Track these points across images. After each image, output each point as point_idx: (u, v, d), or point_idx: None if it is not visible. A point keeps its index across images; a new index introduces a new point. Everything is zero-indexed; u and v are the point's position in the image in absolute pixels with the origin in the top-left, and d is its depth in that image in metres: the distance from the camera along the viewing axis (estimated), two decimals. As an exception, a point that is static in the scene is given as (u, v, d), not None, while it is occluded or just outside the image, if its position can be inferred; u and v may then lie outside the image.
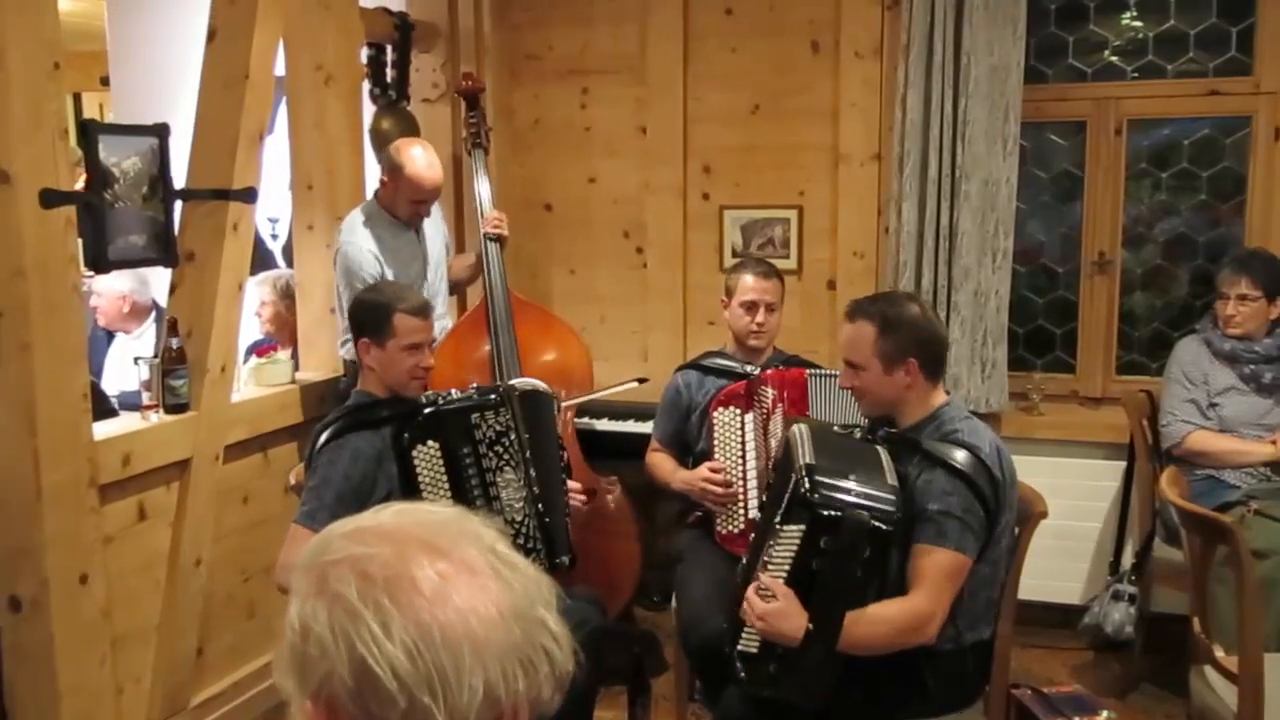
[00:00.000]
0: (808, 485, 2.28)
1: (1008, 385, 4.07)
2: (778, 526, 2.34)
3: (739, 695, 2.50)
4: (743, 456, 3.19)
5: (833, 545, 2.25)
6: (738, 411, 3.21)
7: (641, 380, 3.77)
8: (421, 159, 3.60)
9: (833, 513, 2.25)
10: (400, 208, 3.66)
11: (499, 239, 3.90)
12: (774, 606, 2.29)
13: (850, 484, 2.30)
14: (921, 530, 2.35)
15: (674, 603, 3.22)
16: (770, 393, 3.17)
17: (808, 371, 3.24)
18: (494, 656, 0.90)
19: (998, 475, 2.41)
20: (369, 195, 3.90)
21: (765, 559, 2.36)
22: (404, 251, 3.68)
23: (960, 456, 2.40)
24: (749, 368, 3.37)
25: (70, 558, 2.76)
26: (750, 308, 3.38)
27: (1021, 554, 2.62)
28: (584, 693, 2.92)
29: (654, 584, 4.20)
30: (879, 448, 2.49)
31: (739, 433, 3.20)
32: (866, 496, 2.28)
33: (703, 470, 3.22)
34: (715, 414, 3.24)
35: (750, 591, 2.34)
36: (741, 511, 3.18)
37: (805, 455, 2.38)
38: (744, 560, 2.63)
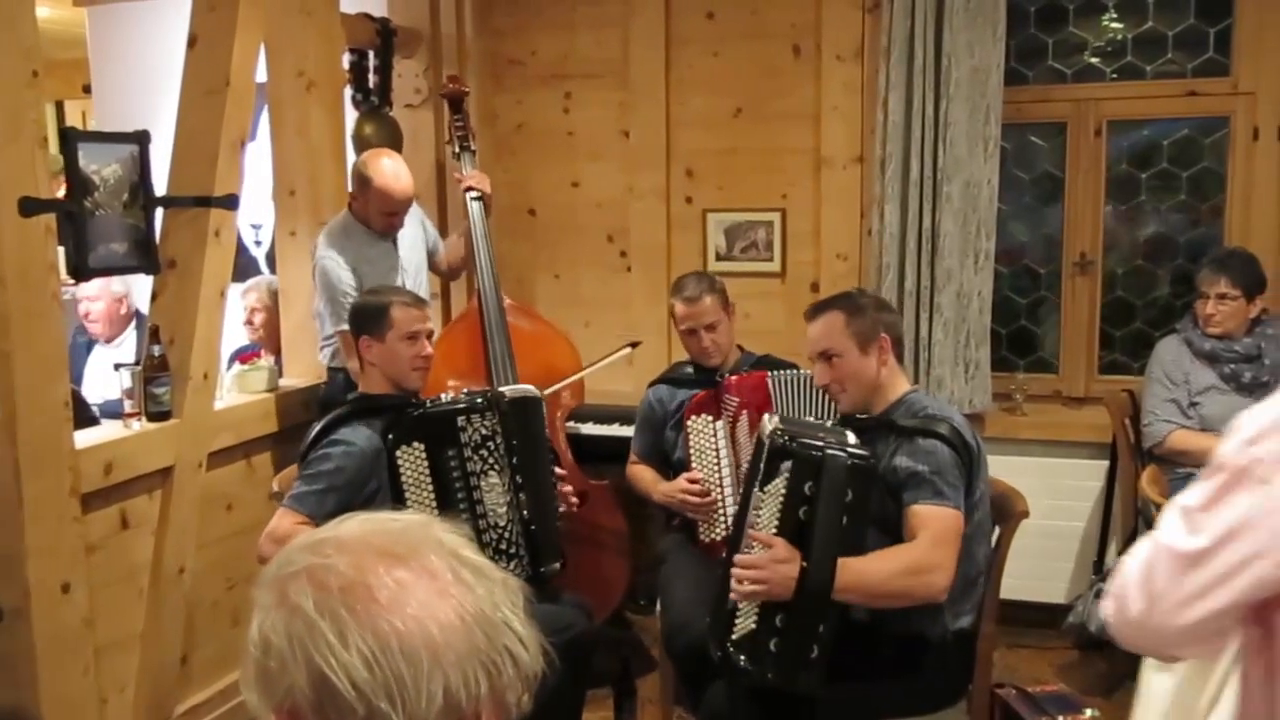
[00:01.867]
0: (785, 437, 2.38)
1: (991, 386, 4.08)
2: (759, 491, 2.41)
3: (723, 692, 2.51)
4: (718, 463, 3.20)
5: (817, 489, 2.32)
6: (710, 419, 3.23)
7: (635, 344, 3.80)
8: (389, 171, 3.57)
9: (815, 454, 2.33)
10: (373, 219, 3.65)
11: (481, 197, 3.89)
12: (770, 553, 2.33)
13: (822, 438, 2.40)
14: (916, 492, 2.41)
15: (658, 607, 3.23)
16: (734, 400, 3.19)
17: (768, 374, 3.25)
18: (454, 661, 0.90)
19: (970, 441, 2.49)
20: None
21: (750, 526, 2.42)
22: (381, 262, 3.67)
23: (938, 425, 2.48)
24: (716, 375, 3.36)
25: (52, 567, 2.75)
26: (690, 333, 3.40)
27: (1004, 553, 2.64)
28: (571, 698, 2.93)
29: (641, 588, 4.21)
30: (846, 430, 2.55)
31: (713, 439, 3.22)
32: (840, 445, 2.37)
33: (681, 482, 3.23)
34: (689, 422, 3.25)
35: (739, 558, 2.38)
36: (721, 519, 3.19)
37: (774, 423, 2.48)
38: (724, 554, 2.64)
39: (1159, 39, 4.07)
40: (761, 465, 2.43)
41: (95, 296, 4.35)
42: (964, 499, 2.44)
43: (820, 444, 2.36)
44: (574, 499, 3.27)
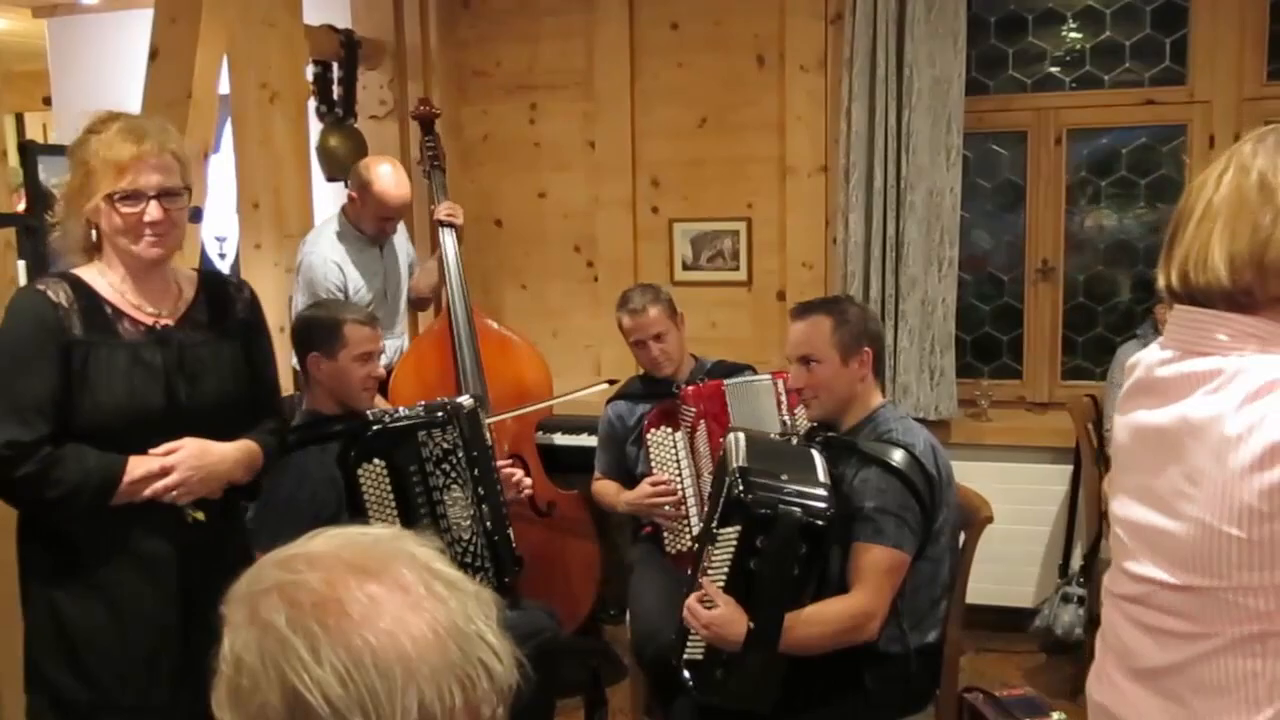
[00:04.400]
0: (741, 487, 2.32)
1: (956, 392, 4.12)
2: (715, 531, 2.38)
3: (690, 705, 2.51)
4: (680, 474, 3.21)
5: (768, 544, 2.29)
6: (669, 430, 3.24)
7: (612, 382, 3.76)
8: (389, 176, 3.63)
9: (765, 511, 2.28)
10: (366, 223, 3.68)
11: (452, 225, 3.90)
12: (716, 613, 2.31)
13: (783, 483, 2.34)
14: (859, 528, 2.39)
15: (628, 616, 3.23)
16: (691, 410, 3.20)
17: (724, 383, 3.26)
18: (428, 675, 0.89)
19: (932, 472, 2.45)
20: (317, 213, 3.90)
21: (706, 565, 2.41)
22: (369, 267, 3.69)
23: (894, 454, 2.44)
24: (673, 386, 3.36)
25: (14, 584, 2.71)
26: (639, 345, 3.41)
27: (969, 558, 2.66)
28: (540, 705, 2.91)
29: (611, 597, 4.20)
30: (814, 451, 2.53)
31: (674, 451, 3.23)
32: (799, 495, 2.32)
33: (645, 487, 3.23)
34: (649, 435, 3.26)
35: (692, 600, 2.38)
36: (687, 529, 3.20)
37: (739, 459, 2.42)
38: (689, 572, 2.65)
39: (1117, 48, 4.13)
40: (720, 506, 2.41)
41: None
42: (922, 529, 2.42)
43: (775, 499, 2.30)
44: (526, 481, 3.23)
